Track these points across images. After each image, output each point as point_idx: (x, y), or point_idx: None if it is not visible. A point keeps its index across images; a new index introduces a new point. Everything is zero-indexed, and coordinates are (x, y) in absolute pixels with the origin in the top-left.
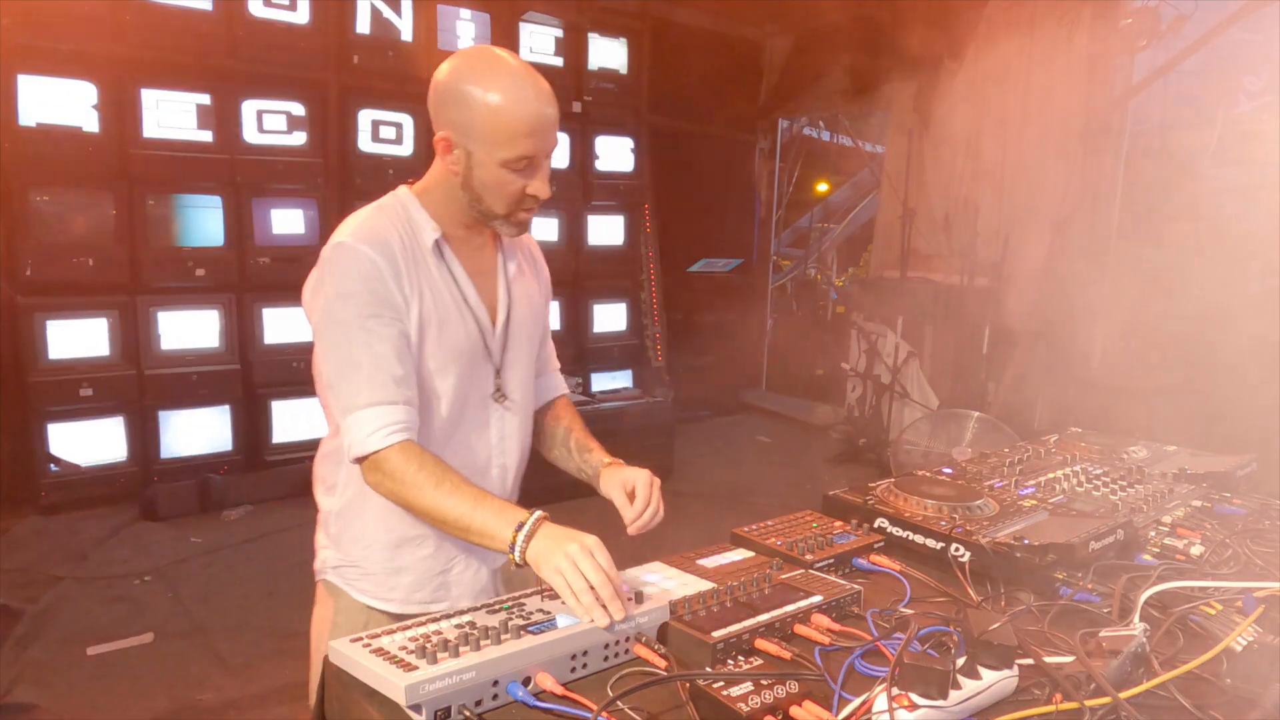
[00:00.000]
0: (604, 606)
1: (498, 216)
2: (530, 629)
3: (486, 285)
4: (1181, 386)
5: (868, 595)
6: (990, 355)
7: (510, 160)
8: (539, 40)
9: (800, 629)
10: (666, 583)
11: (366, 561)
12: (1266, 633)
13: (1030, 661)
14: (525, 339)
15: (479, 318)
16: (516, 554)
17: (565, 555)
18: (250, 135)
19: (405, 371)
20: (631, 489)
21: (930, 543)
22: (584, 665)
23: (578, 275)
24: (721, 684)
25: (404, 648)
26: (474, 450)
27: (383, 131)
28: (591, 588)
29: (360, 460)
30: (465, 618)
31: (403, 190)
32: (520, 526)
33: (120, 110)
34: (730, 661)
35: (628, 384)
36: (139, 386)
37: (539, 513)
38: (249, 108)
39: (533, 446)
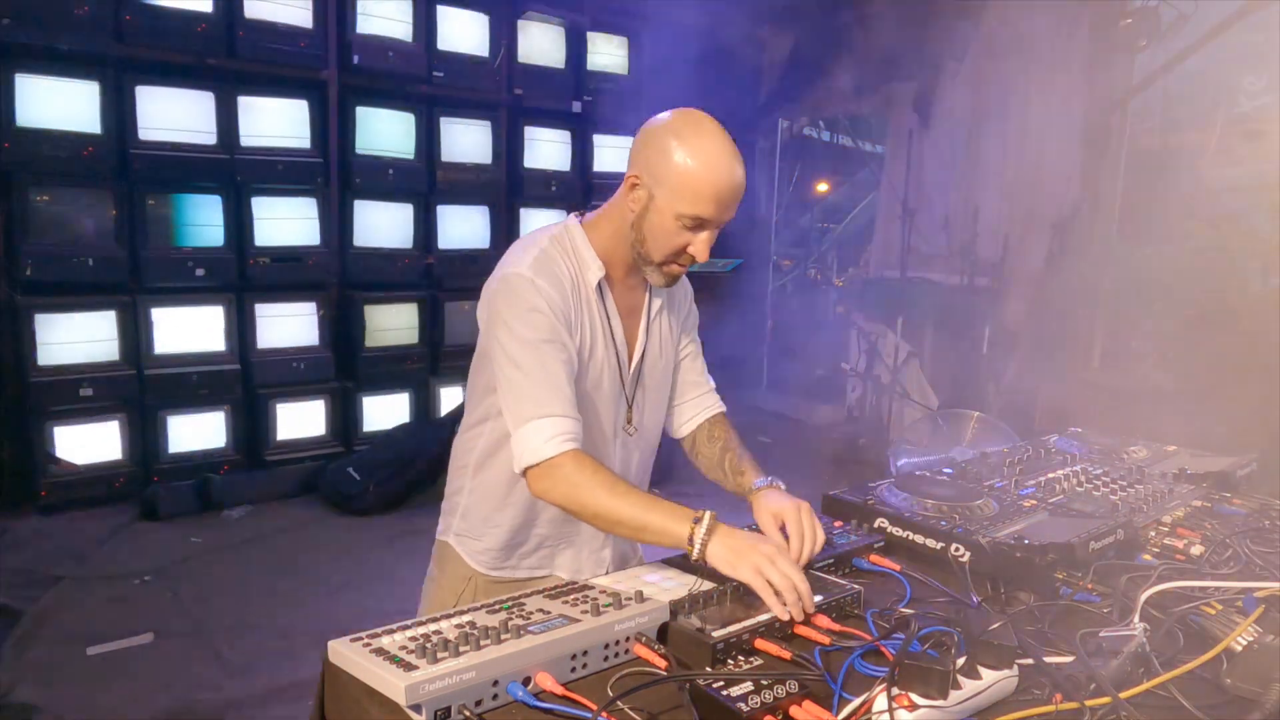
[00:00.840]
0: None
1: (652, 263)
2: (530, 629)
3: (631, 324)
4: (1181, 386)
5: (868, 595)
6: (990, 355)
7: (686, 215)
8: (539, 40)
9: (800, 629)
10: (666, 583)
11: (485, 537)
12: (1266, 633)
13: (1030, 661)
14: (659, 375)
15: (620, 354)
16: (696, 549)
17: (764, 556)
18: (250, 135)
19: (573, 393)
20: (781, 522)
21: (930, 543)
22: (584, 665)
23: None
24: (721, 684)
25: (404, 647)
26: None
27: (383, 131)
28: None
29: (531, 468)
30: (465, 618)
31: (573, 222)
32: (698, 522)
33: (120, 110)
34: (730, 661)
35: None
36: (139, 386)
37: (712, 512)
38: (249, 108)
39: (690, 470)
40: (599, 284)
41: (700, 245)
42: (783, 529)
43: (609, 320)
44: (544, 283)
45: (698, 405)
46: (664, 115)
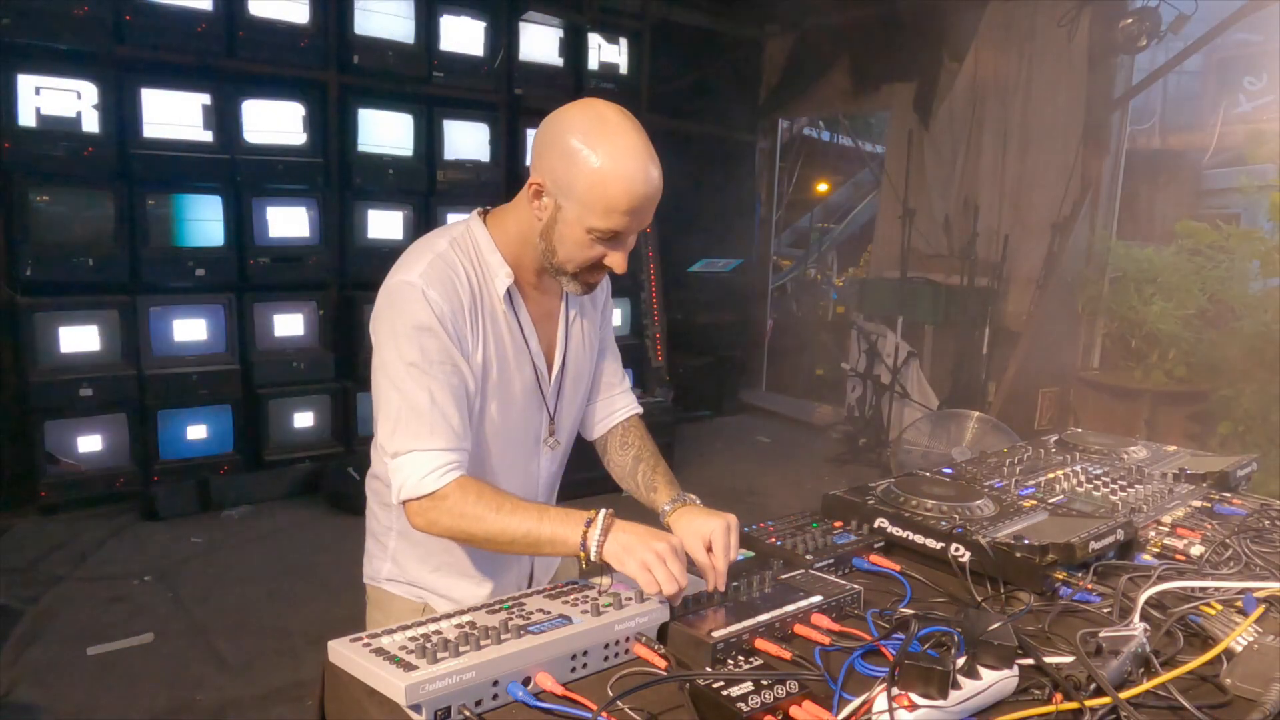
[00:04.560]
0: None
1: (566, 274)
2: (530, 629)
3: (547, 331)
4: (1181, 386)
5: (868, 595)
6: (990, 355)
7: (598, 229)
8: (539, 40)
9: (800, 629)
10: None
11: (424, 580)
12: (1266, 633)
13: (1030, 661)
14: (578, 381)
15: (537, 364)
16: (591, 551)
17: (653, 553)
18: (250, 135)
19: (463, 425)
20: (708, 542)
21: (930, 543)
22: (584, 665)
23: None
24: (721, 684)
25: (404, 648)
26: (523, 490)
27: (383, 131)
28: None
29: (410, 501)
30: (465, 618)
31: (476, 223)
32: (590, 524)
33: (120, 110)
34: (730, 661)
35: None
36: (139, 386)
37: (606, 510)
38: (249, 108)
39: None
40: (507, 292)
41: (617, 258)
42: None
43: (521, 330)
44: (435, 294)
45: (611, 405)
46: (566, 111)
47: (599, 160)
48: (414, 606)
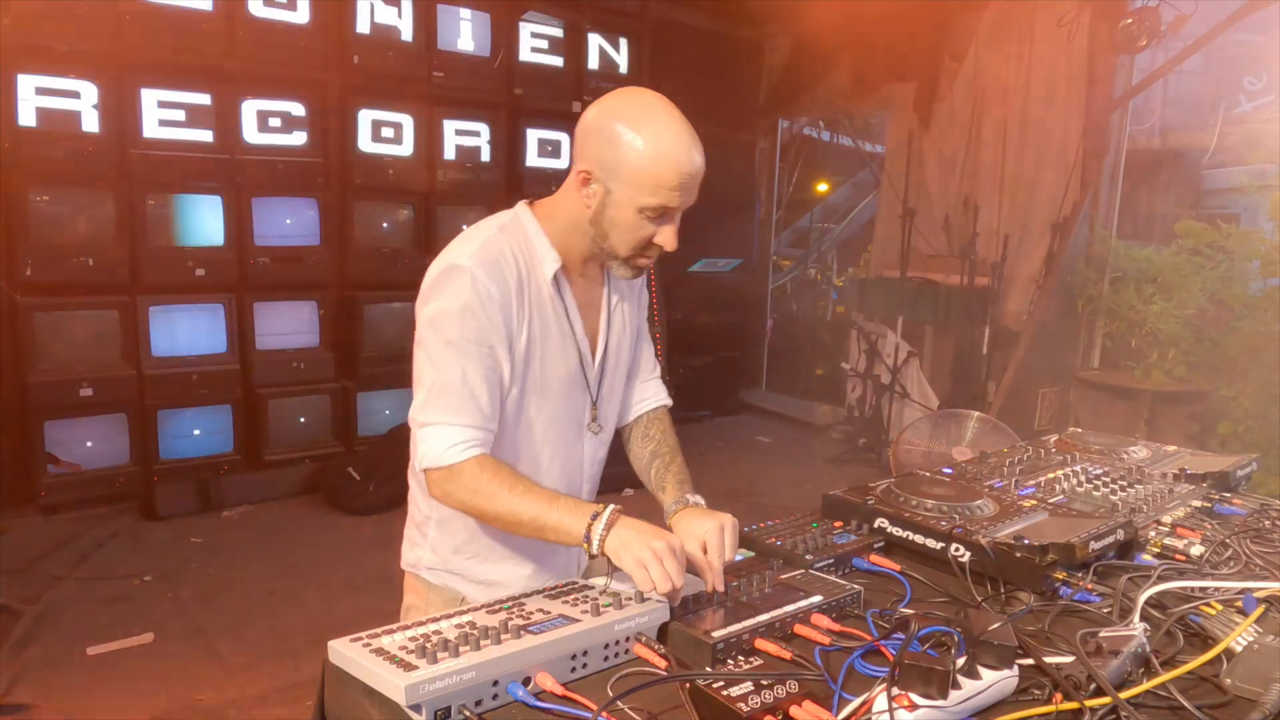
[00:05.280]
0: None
1: (618, 257)
2: (530, 629)
3: (591, 316)
4: (1181, 386)
5: (868, 595)
6: (990, 355)
7: (649, 207)
8: (539, 40)
9: (800, 629)
10: None
11: (462, 568)
12: (1266, 633)
13: (1030, 661)
14: (619, 367)
15: (581, 349)
16: (594, 544)
17: (651, 551)
18: (250, 135)
19: (492, 406)
20: (705, 544)
21: (930, 543)
22: (584, 665)
23: None
24: (721, 684)
25: (404, 647)
26: (566, 475)
27: (383, 131)
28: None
29: (431, 470)
30: (465, 618)
31: (524, 211)
32: (595, 517)
33: (120, 110)
34: (730, 661)
35: None
36: (139, 386)
37: (614, 506)
38: (249, 108)
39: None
40: (555, 276)
41: (667, 234)
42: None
43: (568, 315)
44: (484, 275)
45: (642, 392)
46: (607, 99)
47: (644, 140)
48: (451, 597)
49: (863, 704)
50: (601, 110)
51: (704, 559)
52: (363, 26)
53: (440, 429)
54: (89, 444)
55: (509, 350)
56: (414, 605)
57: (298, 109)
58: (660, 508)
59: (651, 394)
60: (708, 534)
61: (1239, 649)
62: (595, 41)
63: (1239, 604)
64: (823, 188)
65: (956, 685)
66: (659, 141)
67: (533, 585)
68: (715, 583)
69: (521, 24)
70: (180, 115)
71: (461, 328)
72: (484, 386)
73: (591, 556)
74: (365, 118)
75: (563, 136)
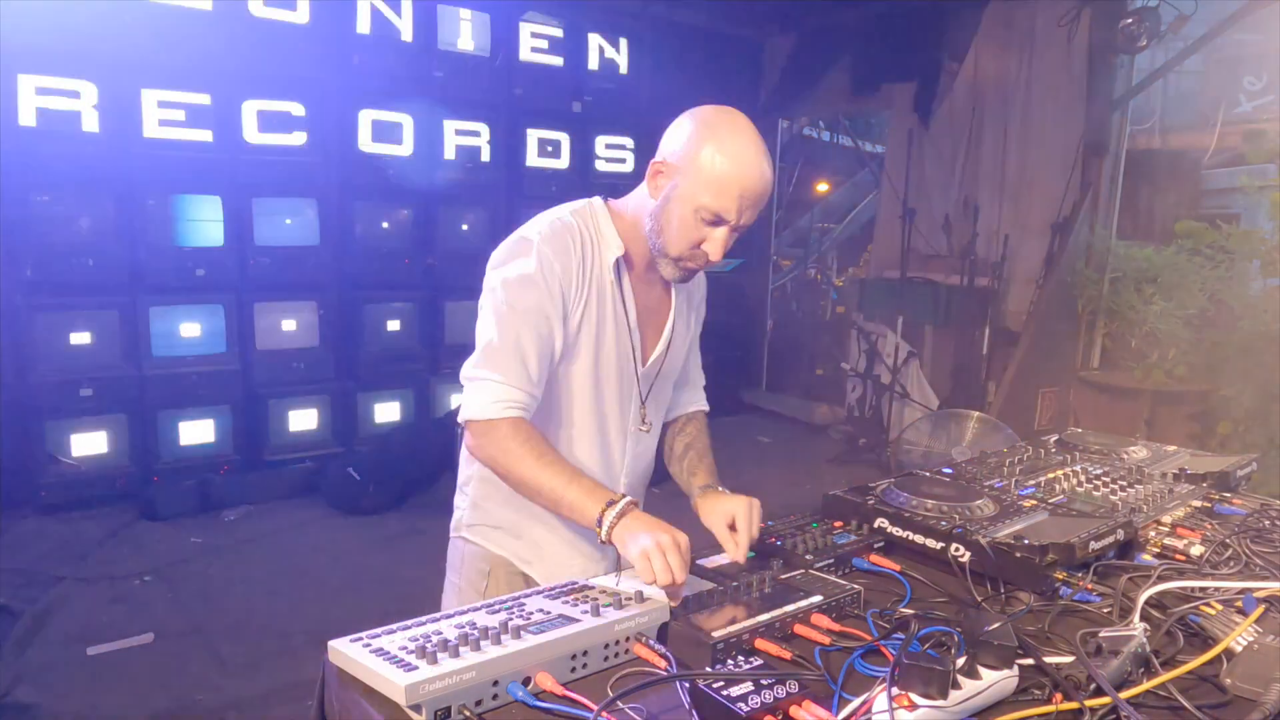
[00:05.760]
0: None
1: (667, 255)
2: (530, 629)
3: (650, 322)
4: (1181, 386)
5: (868, 595)
6: (990, 355)
7: (706, 208)
8: (539, 40)
9: (800, 629)
10: None
11: (504, 520)
12: (1266, 633)
13: (1030, 661)
14: (673, 371)
15: (634, 342)
16: (603, 530)
17: (655, 544)
18: (250, 135)
19: (540, 373)
20: (731, 519)
21: (930, 543)
22: (584, 665)
23: None
24: (721, 684)
25: (404, 648)
26: (608, 464)
27: (383, 131)
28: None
29: (471, 422)
30: (465, 618)
31: (597, 201)
32: (610, 504)
33: (120, 110)
34: (730, 661)
35: None
36: (139, 386)
37: (629, 498)
38: (249, 108)
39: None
40: (616, 262)
41: (715, 243)
42: (732, 526)
43: (624, 303)
44: (550, 250)
45: (689, 396)
46: (702, 108)
47: (719, 141)
48: (481, 565)
49: (863, 704)
50: (694, 115)
51: (728, 534)
52: (363, 26)
53: (487, 384)
54: (89, 444)
55: (564, 323)
56: (450, 579)
57: (298, 109)
58: (682, 501)
59: (694, 399)
60: (737, 509)
61: (1239, 649)
62: (595, 41)
63: (1239, 604)
64: (823, 188)
65: (956, 685)
66: (735, 151)
67: (575, 550)
68: (739, 555)
69: (521, 24)
70: (180, 115)
71: (522, 295)
72: (534, 353)
73: (601, 542)
74: (365, 118)
75: (563, 136)
